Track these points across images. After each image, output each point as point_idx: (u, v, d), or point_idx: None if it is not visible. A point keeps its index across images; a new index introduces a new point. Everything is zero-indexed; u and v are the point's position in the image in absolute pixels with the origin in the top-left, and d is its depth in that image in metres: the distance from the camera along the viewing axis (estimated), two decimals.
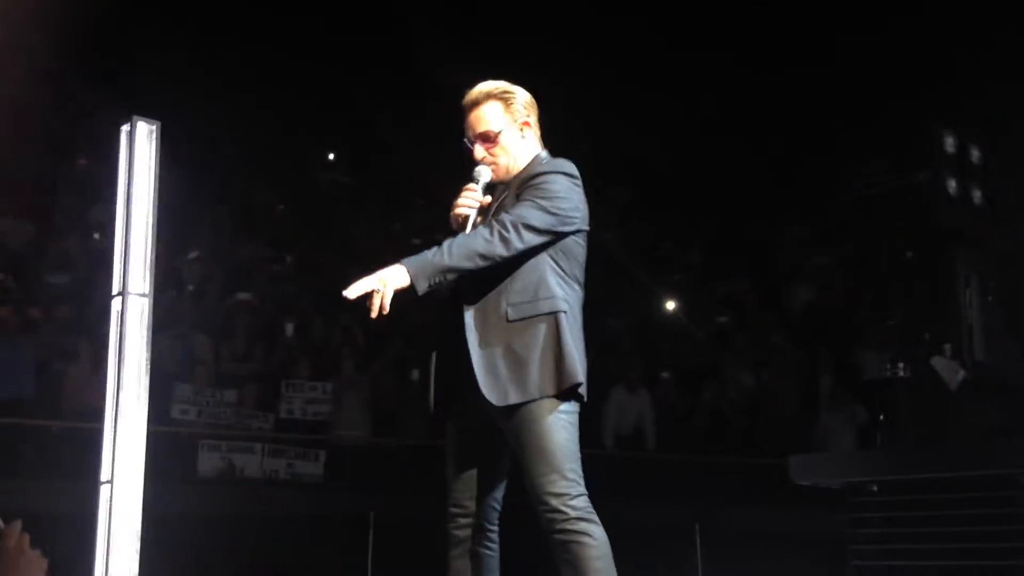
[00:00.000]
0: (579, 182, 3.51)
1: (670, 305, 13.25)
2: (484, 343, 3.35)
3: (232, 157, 12.79)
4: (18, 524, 2.09)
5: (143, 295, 4.10)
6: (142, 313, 4.06)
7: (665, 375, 11.79)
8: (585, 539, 3.26)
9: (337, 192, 14.21)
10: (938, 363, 5.90)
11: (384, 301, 3.23)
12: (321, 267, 12.05)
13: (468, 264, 3.30)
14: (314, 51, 13.45)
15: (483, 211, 3.54)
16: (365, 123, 13.78)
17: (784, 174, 13.61)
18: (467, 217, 3.47)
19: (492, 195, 3.60)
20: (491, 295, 3.38)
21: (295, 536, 8.56)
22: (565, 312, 3.39)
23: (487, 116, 3.56)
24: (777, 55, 13.09)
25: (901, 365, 6.04)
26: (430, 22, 12.06)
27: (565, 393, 3.33)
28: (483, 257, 3.31)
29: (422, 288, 3.26)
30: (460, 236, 3.38)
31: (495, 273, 3.37)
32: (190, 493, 8.48)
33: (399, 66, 13.23)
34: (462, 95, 3.64)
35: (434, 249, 3.32)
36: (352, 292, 3.23)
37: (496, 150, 3.56)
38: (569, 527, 3.25)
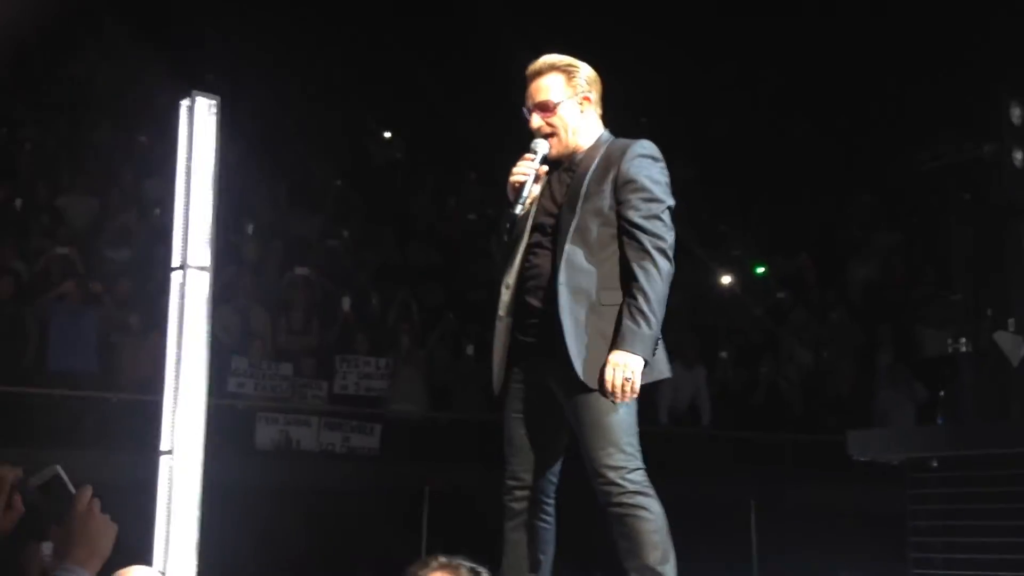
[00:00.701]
0: (664, 163, 3.53)
1: (727, 280, 13.17)
2: (576, 323, 3.37)
3: (290, 133, 12.88)
4: (88, 490, 2.13)
5: (203, 268, 4.16)
6: (202, 286, 4.13)
7: (723, 353, 11.73)
8: (642, 512, 3.28)
9: (393, 168, 14.27)
10: (1001, 338, 5.81)
11: (636, 387, 3.31)
12: (378, 242, 12.12)
13: (662, 307, 3.37)
14: (370, 29, 13.49)
15: (538, 179, 3.55)
16: (420, 100, 13.82)
17: (848, 148, 13.45)
18: (523, 184, 3.50)
19: (551, 168, 3.60)
20: (583, 278, 3.40)
21: (351, 508, 8.65)
22: None
23: (547, 86, 3.56)
24: (842, 28, 12.90)
25: (963, 340, 5.96)
26: (489, 2, 12.03)
27: None
28: (668, 280, 3.39)
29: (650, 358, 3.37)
30: (647, 290, 3.35)
31: (587, 257, 3.41)
32: (247, 465, 8.59)
33: (454, 44, 13.24)
34: (520, 71, 3.64)
35: (636, 320, 3.33)
36: (621, 397, 3.31)
37: (553, 120, 3.55)
38: (626, 500, 3.28)
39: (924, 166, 6.80)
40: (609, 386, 3.28)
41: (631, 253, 3.39)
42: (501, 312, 3.54)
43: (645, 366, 3.31)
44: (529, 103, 3.59)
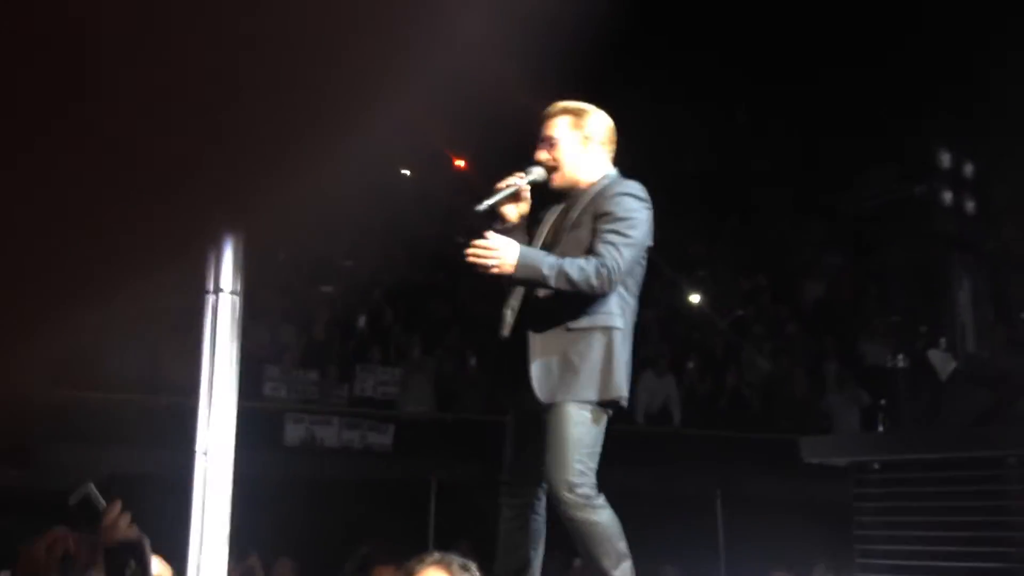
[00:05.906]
0: (648, 204, 3.43)
1: (695, 298, 13.12)
2: (543, 346, 3.30)
3: None
4: (116, 505, 2.05)
5: (234, 293, 4.11)
6: (233, 309, 4.07)
7: (690, 363, 11.68)
8: (590, 526, 3.19)
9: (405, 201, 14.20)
10: (933, 355, 5.79)
11: (489, 264, 3.23)
12: (391, 266, 12.06)
13: (565, 288, 3.25)
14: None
15: (517, 198, 3.49)
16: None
17: (801, 182, 13.43)
18: (500, 190, 3.43)
19: (556, 200, 3.54)
20: (555, 304, 3.32)
21: (367, 498, 8.59)
22: (619, 329, 3.34)
23: (554, 125, 3.53)
24: (798, 74, 12.91)
25: (900, 356, 5.93)
26: None
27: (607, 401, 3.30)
28: (584, 289, 3.25)
29: (511, 280, 3.32)
30: (577, 262, 3.25)
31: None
32: (277, 460, 8.51)
33: None
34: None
35: (547, 261, 3.25)
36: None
37: (555, 154, 3.51)
38: (576, 513, 3.18)
39: (867, 201, 6.79)
40: (480, 248, 3.24)
41: None
42: (505, 332, 3.45)
43: (514, 274, 3.24)
44: (539, 137, 3.57)
